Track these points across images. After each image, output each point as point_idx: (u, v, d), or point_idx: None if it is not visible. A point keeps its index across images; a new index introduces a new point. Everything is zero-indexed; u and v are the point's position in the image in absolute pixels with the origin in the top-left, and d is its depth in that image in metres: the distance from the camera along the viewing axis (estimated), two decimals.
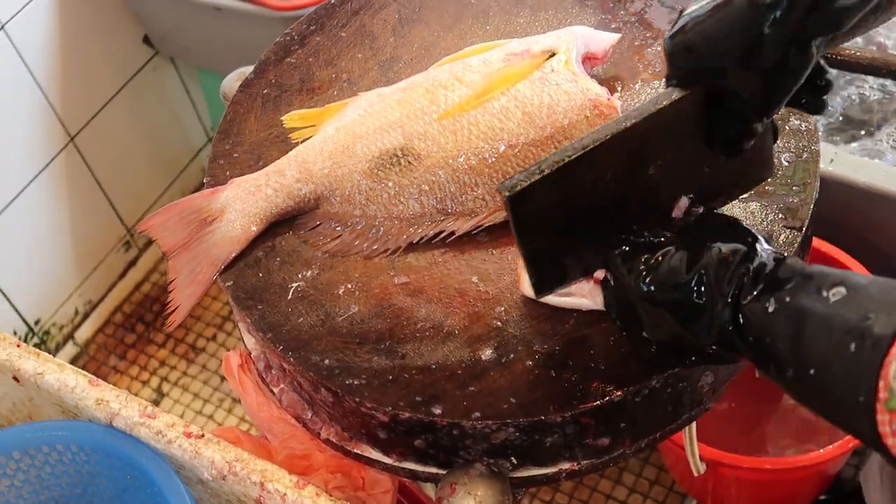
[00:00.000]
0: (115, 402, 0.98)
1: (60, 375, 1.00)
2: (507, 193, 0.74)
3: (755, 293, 0.70)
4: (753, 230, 0.77)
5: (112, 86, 2.14)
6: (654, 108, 0.75)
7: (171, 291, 0.95)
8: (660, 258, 0.76)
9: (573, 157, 0.75)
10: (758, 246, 0.74)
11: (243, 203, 0.95)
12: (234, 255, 0.95)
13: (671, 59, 0.76)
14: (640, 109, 0.76)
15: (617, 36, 1.00)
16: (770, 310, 0.69)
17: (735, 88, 0.74)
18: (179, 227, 0.96)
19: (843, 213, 1.34)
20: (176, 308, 0.94)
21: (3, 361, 1.03)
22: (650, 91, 1.00)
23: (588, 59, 0.99)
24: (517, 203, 0.75)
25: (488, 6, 1.11)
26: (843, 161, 1.33)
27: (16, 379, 1.04)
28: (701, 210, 0.82)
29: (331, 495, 0.95)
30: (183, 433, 0.95)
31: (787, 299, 0.68)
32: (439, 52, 1.07)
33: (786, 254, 0.74)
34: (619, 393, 0.81)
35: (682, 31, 0.74)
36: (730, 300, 0.71)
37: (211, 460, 0.92)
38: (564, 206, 0.76)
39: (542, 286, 0.81)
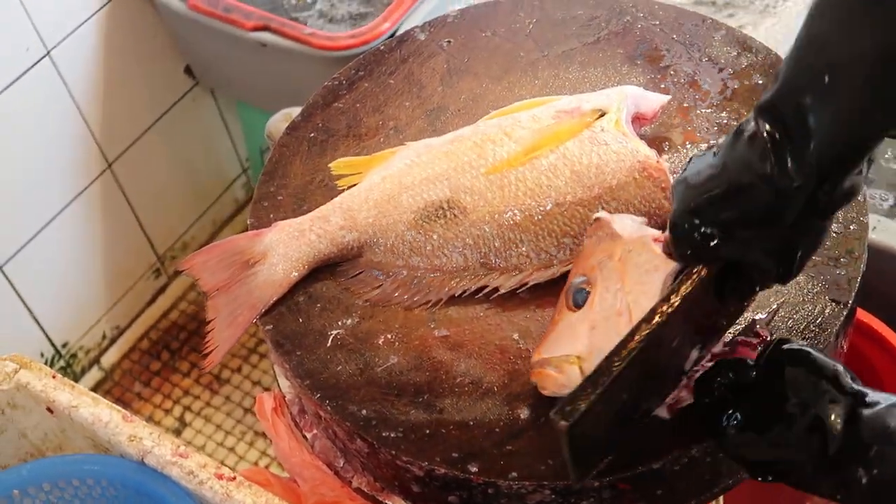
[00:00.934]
0: (148, 440, 0.97)
1: (95, 409, 1.00)
2: (563, 422, 0.70)
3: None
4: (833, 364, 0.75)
5: (151, 114, 2.16)
6: (678, 300, 0.74)
7: (209, 332, 0.95)
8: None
9: (621, 367, 0.72)
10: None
11: (286, 247, 0.95)
12: (274, 299, 0.94)
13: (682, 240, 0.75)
14: (666, 300, 0.75)
15: (667, 97, 1.00)
16: None
17: (755, 261, 0.73)
18: (221, 268, 0.96)
19: (884, 281, 1.33)
20: (214, 349, 0.94)
21: (38, 392, 1.03)
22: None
23: (637, 119, 0.99)
24: (574, 428, 0.71)
25: (537, 60, 1.11)
26: (885, 229, 1.32)
27: (49, 410, 1.04)
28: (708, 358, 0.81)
29: None
30: (214, 475, 0.94)
31: None
32: (487, 104, 1.08)
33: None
34: (658, 461, 0.80)
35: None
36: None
37: (242, 503, 0.92)
38: (606, 407, 0.74)
39: (584, 474, 0.77)
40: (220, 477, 0.94)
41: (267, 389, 2.21)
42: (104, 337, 2.27)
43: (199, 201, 2.39)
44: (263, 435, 2.15)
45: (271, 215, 1.02)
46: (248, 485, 0.93)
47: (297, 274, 0.95)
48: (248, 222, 1.03)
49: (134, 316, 2.33)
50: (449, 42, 1.15)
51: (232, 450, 2.14)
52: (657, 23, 1.13)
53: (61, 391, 1.02)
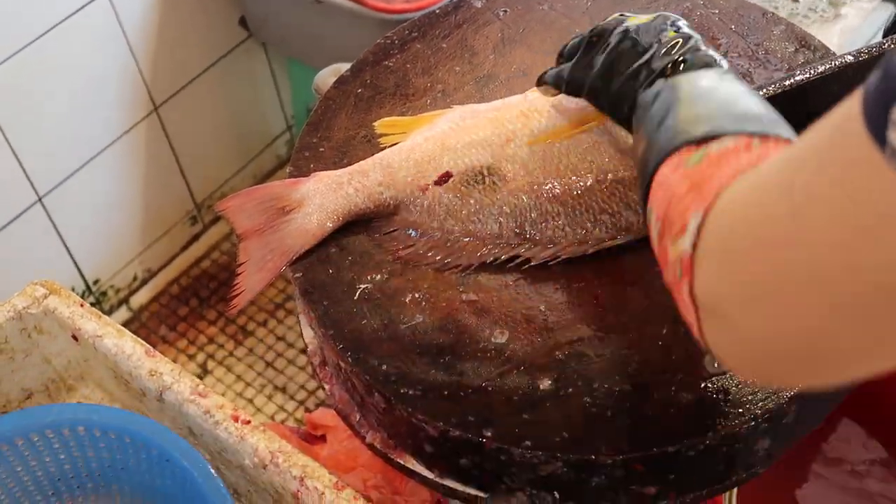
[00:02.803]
0: (168, 376, 0.98)
1: (119, 341, 1.01)
2: None
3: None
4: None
5: (202, 62, 2.17)
6: None
7: (238, 274, 0.96)
8: None
9: None
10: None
11: (323, 198, 0.95)
12: (306, 248, 0.95)
13: None
14: None
15: None
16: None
17: None
18: (257, 212, 0.96)
19: None
20: (241, 292, 0.95)
21: (64, 318, 1.04)
22: None
23: None
24: None
25: None
26: None
27: (75, 338, 1.05)
28: None
29: (368, 495, 0.95)
30: (231, 416, 0.95)
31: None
32: (536, 77, 1.07)
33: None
34: (673, 444, 0.80)
35: None
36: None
37: (255, 447, 0.92)
38: None
39: None
40: (235, 419, 0.95)
41: (291, 346, 2.23)
42: (135, 278, 2.29)
43: (242, 154, 2.40)
44: (283, 390, 2.16)
45: (311, 165, 1.02)
46: (263, 430, 0.93)
47: (331, 225, 0.95)
48: (288, 171, 1.03)
49: (167, 260, 2.34)
50: (505, 11, 1.15)
51: (251, 401, 2.16)
52: (716, 11, 1.11)
53: (87, 320, 1.03)
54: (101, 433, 0.99)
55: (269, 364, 2.22)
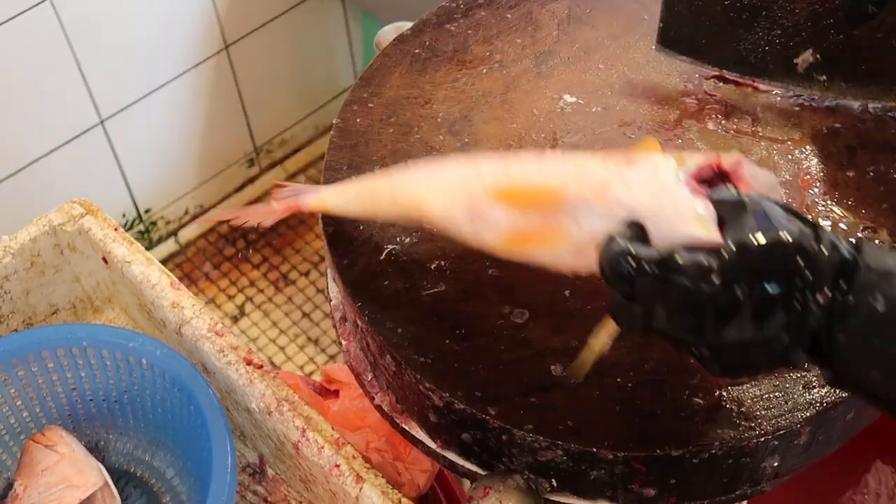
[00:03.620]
0: (189, 310, 0.98)
1: (146, 269, 1.01)
2: None
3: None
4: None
5: (278, 6, 2.17)
6: None
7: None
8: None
9: None
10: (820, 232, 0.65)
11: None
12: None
13: None
14: None
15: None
16: (879, 308, 0.61)
17: None
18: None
19: None
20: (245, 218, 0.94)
21: (97, 240, 1.04)
22: None
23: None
24: None
25: (658, 25, 1.08)
26: None
27: (105, 260, 1.05)
28: (823, 78, 0.88)
29: (368, 455, 0.95)
30: (244, 358, 0.95)
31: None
32: (598, 58, 1.05)
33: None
34: (678, 448, 0.78)
35: None
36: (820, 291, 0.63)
37: (262, 393, 0.92)
38: None
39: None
40: (248, 362, 0.95)
41: (330, 299, 2.23)
42: (186, 212, 2.31)
43: (306, 103, 2.40)
44: (315, 342, 2.17)
45: (358, 119, 1.02)
46: (273, 376, 0.93)
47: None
48: (334, 122, 1.03)
49: (220, 199, 2.36)
50: None
51: (283, 349, 2.17)
52: None
53: (119, 244, 1.03)
54: (121, 355, 1.00)
55: (305, 314, 2.23)
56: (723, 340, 0.65)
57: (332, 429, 0.90)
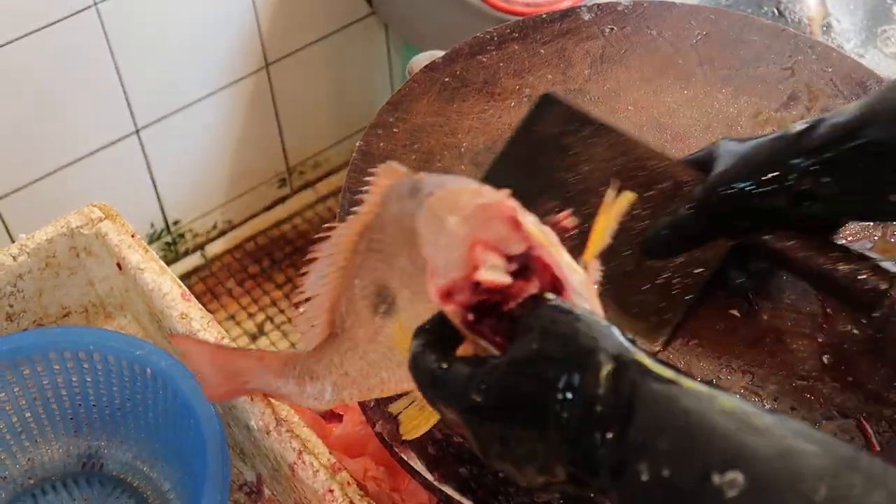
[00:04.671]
0: (197, 323, 0.98)
1: (158, 278, 1.01)
2: None
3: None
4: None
5: (320, 29, 2.18)
6: None
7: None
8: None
9: None
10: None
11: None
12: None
13: None
14: None
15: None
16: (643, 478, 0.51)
17: None
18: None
19: None
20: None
21: (113, 245, 1.04)
22: None
23: None
24: None
25: (693, 72, 1.07)
26: None
27: (119, 266, 1.05)
28: None
29: (364, 484, 0.93)
30: None
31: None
32: (628, 100, 1.04)
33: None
34: None
35: None
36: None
37: (262, 411, 0.91)
38: None
39: None
40: None
41: None
42: (214, 227, 2.31)
43: (343, 127, 2.41)
44: None
45: (381, 143, 1.01)
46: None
47: None
48: (357, 145, 1.02)
49: (248, 216, 2.36)
50: (611, 29, 1.12)
51: None
52: (829, 69, 1.07)
53: (134, 251, 1.03)
54: (127, 363, 0.99)
55: None
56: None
57: (330, 453, 0.89)
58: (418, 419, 0.74)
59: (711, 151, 0.87)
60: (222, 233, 2.34)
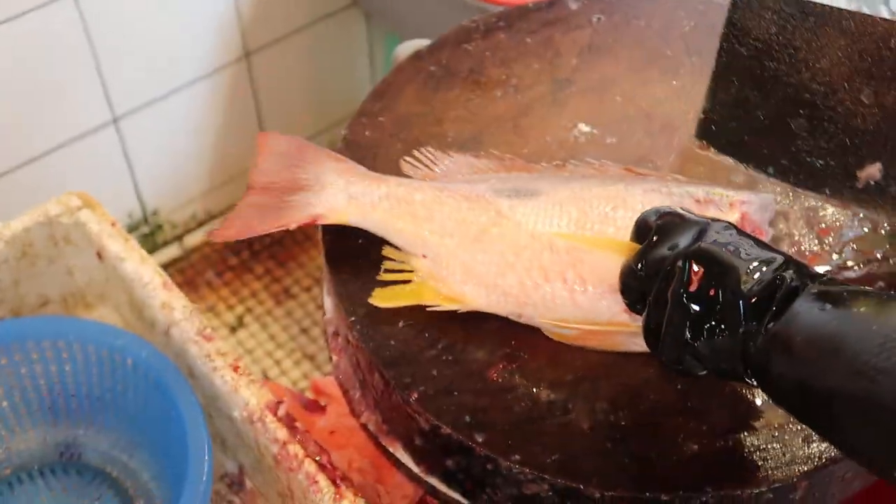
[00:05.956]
0: (179, 312, 0.96)
1: (139, 267, 0.99)
2: None
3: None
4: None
5: (301, 18, 2.15)
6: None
7: (235, 210, 0.93)
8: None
9: None
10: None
11: (342, 201, 0.90)
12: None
13: None
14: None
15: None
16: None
17: None
18: (282, 166, 0.93)
19: None
20: (227, 231, 0.92)
21: (93, 234, 1.03)
22: None
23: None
24: None
25: (681, 63, 1.06)
26: None
27: (99, 255, 1.03)
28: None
29: (349, 475, 0.92)
30: (230, 364, 0.93)
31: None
32: (616, 90, 1.03)
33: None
34: (667, 493, 0.75)
35: None
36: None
37: (246, 401, 0.90)
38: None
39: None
40: (234, 369, 0.92)
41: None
42: (193, 217, 2.29)
43: (322, 117, 2.39)
44: (311, 358, 2.14)
45: (367, 132, 1.00)
46: (260, 386, 0.91)
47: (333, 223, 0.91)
48: (342, 133, 1.01)
49: (228, 206, 2.33)
50: (599, 18, 1.11)
51: (278, 363, 2.15)
52: None
53: (115, 240, 1.01)
54: (107, 353, 0.98)
55: (303, 330, 2.20)
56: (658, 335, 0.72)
57: (315, 443, 0.87)
58: (398, 294, 0.86)
59: None
60: (201, 223, 2.31)
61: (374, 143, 0.99)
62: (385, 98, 1.04)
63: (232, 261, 2.31)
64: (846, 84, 0.82)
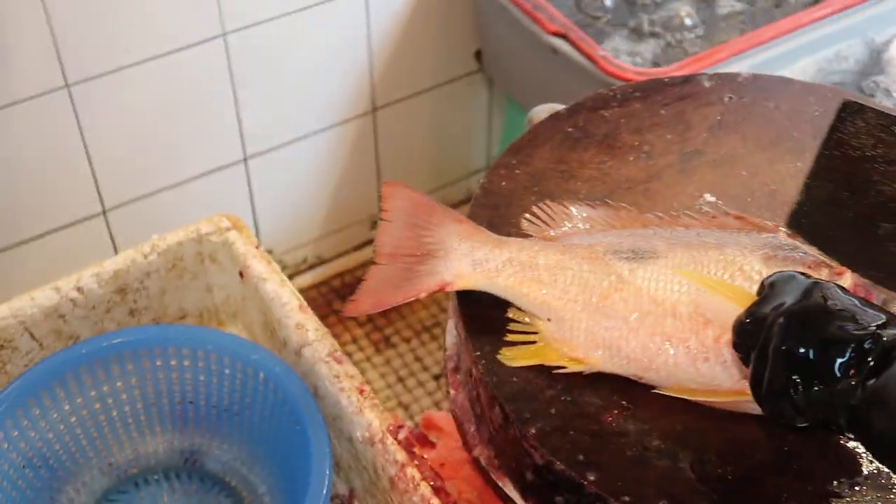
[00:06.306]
0: (312, 333, 1.02)
1: (279, 288, 1.06)
2: None
3: None
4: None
5: (428, 81, 2.24)
6: None
7: (365, 281, 0.98)
8: None
9: None
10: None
11: (466, 267, 0.94)
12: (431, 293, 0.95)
13: None
14: None
15: None
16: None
17: None
18: (407, 227, 0.97)
19: None
20: (358, 304, 0.96)
21: (238, 254, 1.10)
22: None
23: None
24: None
25: (807, 145, 1.10)
26: None
27: (241, 274, 1.10)
28: None
29: None
30: (357, 387, 0.98)
31: None
32: (742, 165, 1.07)
33: None
34: None
35: None
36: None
37: (369, 422, 0.95)
38: None
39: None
40: (360, 392, 0.98)
41: (426, 369, 2.26)
42: (304, 260, 2.37)
43: (437, 177, 2.47)
44: (405, 407, 2.19)
45: (503, 183, 1.06)
46: (382, 410, 0.96)
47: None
48: (480, 181, 1.07)
49: (338, 254, 2.42)
50: (731, 98, 1.16)
51: None
52: None
53: (258, 261, 1.08)
54: (241, 366, 1.04)
55: (400, 379, 2.25)
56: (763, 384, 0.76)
57: (431, 469, 0.92)
58: (524, 354, 0.90)
59: None
60: (311, 267, 2.40)
61: (509, 192, 1.05)
62: (522, 153, 1.09)
63: (337, 305, 2.38)
64: None
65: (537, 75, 1.99)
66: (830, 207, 0.92)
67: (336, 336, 2.30)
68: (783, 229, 0.91)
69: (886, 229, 0.90)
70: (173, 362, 1.05)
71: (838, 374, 0.71)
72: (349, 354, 2.26)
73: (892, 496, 0.80)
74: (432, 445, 1.12)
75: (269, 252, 2.25)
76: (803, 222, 0.92)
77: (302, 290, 2.36)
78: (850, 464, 0.83)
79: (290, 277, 2.34)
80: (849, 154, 0.92)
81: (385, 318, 2.35)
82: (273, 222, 2.25)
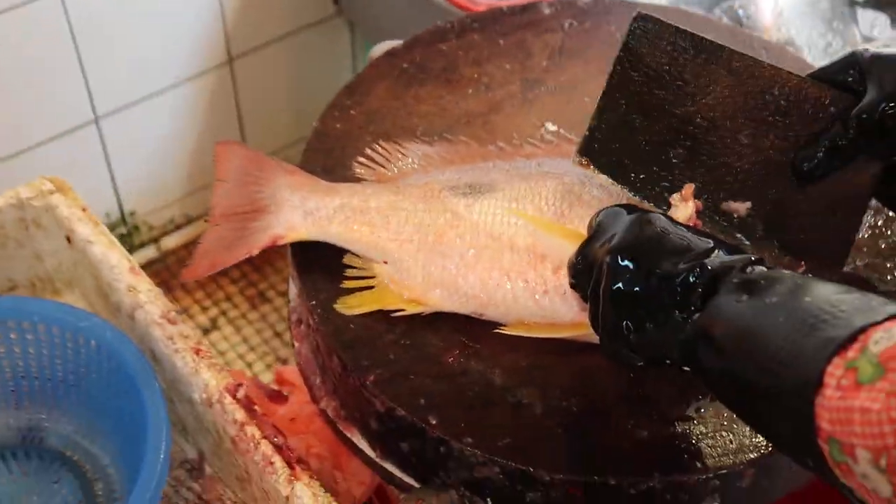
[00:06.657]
0: (144, 295, 0.97)
1: (107, 251, 1.00)
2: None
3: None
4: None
5: (285, 26, 2.17)
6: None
7: (201, 244, 0.95)
8: None
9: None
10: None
11: (299, 217, 0.91)
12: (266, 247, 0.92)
13: None
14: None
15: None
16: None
17: None
18: (240, 187, 0.94)
19: None
20: (196, 267, 0.93)
21: (62, 218, 1.04)
22: None
23: None
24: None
25: None
26: None
27: (68, 239, 1.04)
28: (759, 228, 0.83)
29: (307, 460, 0.93)
30: (192, 347, 0.94)
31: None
32: (584, 91, 1.05)
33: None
34: (616, 477, 0.76)
35: None
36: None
37: (205, 383, 0.91)
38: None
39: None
40: (196, 352, 0.93)
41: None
42: (171, 220, 2.30)
43: (303, 126, 2.40)
44: (284, 362, 2.15)
45: (337, 125, 1.02)
46: (220, 368, 0.92)
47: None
48: (314, 124, 1.02)
49: (206, 210, 2.34)
50: (571, 24, 1.13)
51: (250, 366, 2.15)
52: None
53: (84, 224, 1.02)
54: (71, 335, 0.98)
55: (277, 334, 2.21)
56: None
57: (272, 426, 0.88)
58: (362, 301, 0.87)
59: (850, 64, 0.83)
60: (178, 227, 2.32)
61: (343, 134, 1.01)
62: (357, 92, 1.05)
63: None
64: (728, 122, 0.84)
65: (396, 17, 1.94)
66: (621, 132, 0.87)
67: (209, 293, 2.26)
68: (575, 157, 0.87)
69: (677, 155, 0.86)
70: (13, 336, 0.99)
71: (667, 311, 0.68)
72: (223, 312, 2.22)
73: (735, 421, 0.80)
74: (285, 400, 1.08)
75: (133, 214, 2.18)
76: (594, 148, 0.87)
77: (172, 251, 2.29)
78: (695, 388, 0.82)
79: (157, 238, 2.27)
80: (641, 74, 0.88)
81: (258, 273, 2.30)
82: (134, 183, 2.17)
